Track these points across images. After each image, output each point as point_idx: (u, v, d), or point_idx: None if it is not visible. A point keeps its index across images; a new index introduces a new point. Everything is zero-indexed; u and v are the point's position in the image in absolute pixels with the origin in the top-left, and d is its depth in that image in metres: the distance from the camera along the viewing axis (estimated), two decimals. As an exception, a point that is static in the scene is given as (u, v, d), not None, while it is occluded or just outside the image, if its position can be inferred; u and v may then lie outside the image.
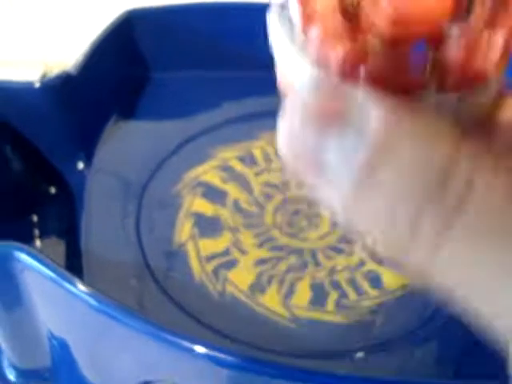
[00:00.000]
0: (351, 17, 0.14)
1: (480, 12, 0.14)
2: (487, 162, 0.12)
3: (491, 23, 0.14)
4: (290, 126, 0.13)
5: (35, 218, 0.43)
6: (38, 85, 0.40)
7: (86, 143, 0.45)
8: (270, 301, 0.38)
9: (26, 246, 0.30)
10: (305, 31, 0.14)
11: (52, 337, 0.34)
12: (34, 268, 0.29)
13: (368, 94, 0.13)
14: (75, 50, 0.46)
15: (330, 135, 0.13)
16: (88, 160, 0.45)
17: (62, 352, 0.34)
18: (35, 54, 0.62)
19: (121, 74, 0.52)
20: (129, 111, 0.51)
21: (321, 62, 0.14)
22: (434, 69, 0.14)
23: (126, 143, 0.48)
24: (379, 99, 0.13)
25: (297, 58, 0.14)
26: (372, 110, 0.12)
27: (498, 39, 0.14)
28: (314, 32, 0.14)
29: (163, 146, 0.48)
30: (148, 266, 0.40)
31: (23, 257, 0.29)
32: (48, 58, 0.61)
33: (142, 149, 0.48)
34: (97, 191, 0.43)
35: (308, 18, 0.14)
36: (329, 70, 0.14)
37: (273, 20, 0.15)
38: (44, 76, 0.55)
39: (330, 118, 0.13)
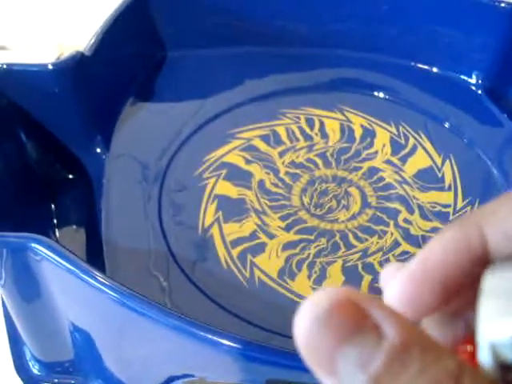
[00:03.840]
0: None
1: None
2: None
3: None
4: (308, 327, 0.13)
5: (53, 206, 0.41)
6: (51, 67, 0.38)
7: (103, 126, 0.44)
8: (301, 287, 0.37)
9: (44, 238, 0.28)
10: None
11: (74, 330, 0.32)
12: (52, 260, 0.28)
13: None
14: (91, 31, 0.44)
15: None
16: (105, 144, 0.43)
17: (84, 345, 0.33)
18: (50, 36, 0.60)
19: (137, 54, 0.50)
20: (146, 92, 0.49)
21: None
22: None
23: (145, 125, 0.46)
24: None
25: None
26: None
27: None
28: None
29: (183, 127, 0.46)
30: (172, 253, 0.38)
31: (42, 249, 0.28)
32: (63, 40, 0.60)
33: (161, 131, 0.46)
34: (116, 176, 0.42)
35: None
36: None
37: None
38: (59, 58, 0.54)
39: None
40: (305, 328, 0.13)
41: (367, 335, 0.13)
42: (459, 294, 0.16)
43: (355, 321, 0.13)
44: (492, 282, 0.15)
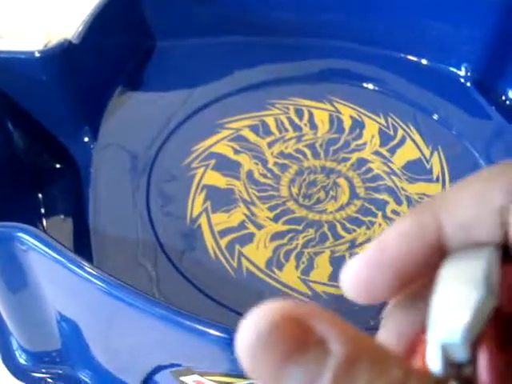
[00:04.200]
0: None
1: None
2: None
3: None
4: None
5: (40, 196, 0.41)
6: (38, 54, 0.38)
7: (91, 115, 0.43)
8: (288, 277, 0.37)
9: (31, 228, 0.28)
10: None
11: (61, 319, 0.32)
12: (39, 250, 0.27)
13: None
14: (80, 18, 0.44)
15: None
16: (93, 133, 0.43)
17: (72, 335, 0.33)
18: (38, 23, 0.60)
19: (126, 43, 0.50)
20: (135, 81, 0.48)
21: None
22: None
23: (133, 115, 0.46)
24: None
25: None
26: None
27: None
28: None
29: (171, 117, 0.46)
30: (160, 242, 0.38)
31: (28, 239, 0.28)
32: (51, 28, 0.59)
33: (150, 120, 0.45)
34: (104, 166, 0.42)
35: None
36: None
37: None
38: (46, 46, 0.53)
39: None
40: (247, 347, 0.12)
41: (311, 352, 0.12)
42: (418, 280, 0.16)
43: (297, 338, 0.12)
44: (445, 275, 0.15)
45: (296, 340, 0.12)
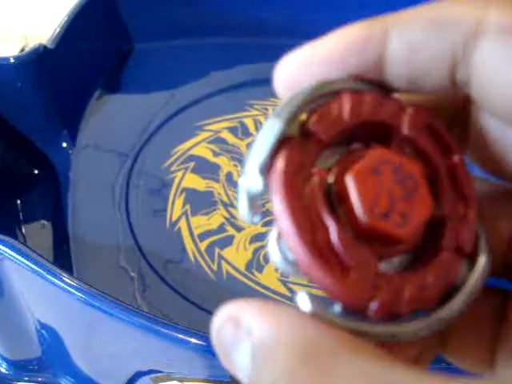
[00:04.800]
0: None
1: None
2: None
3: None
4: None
5: (19, 202, 0.41)
6: (12, 60, 0.38)
7: (69, 120, 0.43)
8: (268, 279, 0.37)
9: (7, 238, 0.28)
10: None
11: (41, 327, 0.32)
12: (16, 261, 0.27)
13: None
14: (58, 20, 0.43)
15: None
16: (72, 138, 0.43)
17: (52, 343, 0.33)
18: (14, 26, 0.59)
19: (103, 46, 0.49)
20: (113, 85, 0.48)
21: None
22: None
23: (111, 119, 0.46)
24: None
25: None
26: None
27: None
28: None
29: (150, 120, 0.46)
30: (140, 247, 0.38)
31: (4, 249, 0.28)
32: (28, 31, 0.59)
33: (128, 124, 0.45)
34: (82, 171, 0.41)
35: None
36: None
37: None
38: (23, 50, 0.53)
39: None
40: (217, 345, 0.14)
41: (241, 347, 0.13)
42: None
43: (232, 335, 0.13)
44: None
45: (231, 338, 0.13)
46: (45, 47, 0.39)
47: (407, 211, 0.14)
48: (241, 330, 0.13)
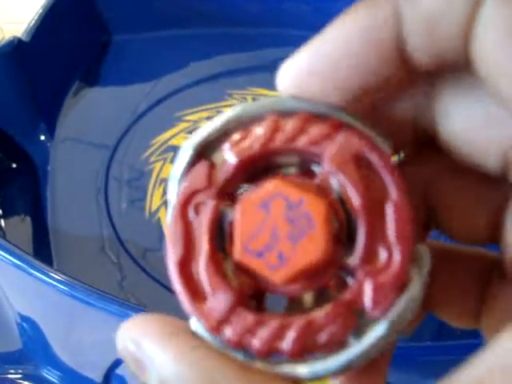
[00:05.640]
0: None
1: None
2: None
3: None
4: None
5: (-3, 196, 0.41)
6: (-14, 54, 0.38)
7: (47, 113, 0.43)
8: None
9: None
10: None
11: (21, 320, 0.32)
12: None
13: None
14: (34, 11, 0.43)
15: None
16: (50, 131, 0.43)
17: (33, 335, 0.33)
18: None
19: (80, 38, 0.49)
20: (91, 77, 0.48)
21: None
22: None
23: (90, 111, 0.46)
24: None
25: None
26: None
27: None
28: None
29: (129, 111, 0.46)
30: (119, 238, 0.38)
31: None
32: (4, 24, 0.58)
33: (107, 116, 0.45)
34: (61, 163, 0.41)
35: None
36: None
37: None
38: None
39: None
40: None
41: (147, 372, 0.13)
42: (372, 95, 0.13)
43: (136, 358, 0.13)
44: None
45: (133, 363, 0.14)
46: (19, 40, 0.39)
47: (288, 253, 0.13)
48: (144, 356, 0.13)
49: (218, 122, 0.14)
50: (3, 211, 0.40)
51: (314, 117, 0.14)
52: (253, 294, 0.14)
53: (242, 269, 0.13)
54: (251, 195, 0.13)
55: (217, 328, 0.13)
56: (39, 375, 0.35)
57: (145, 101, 0.47)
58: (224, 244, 0.14)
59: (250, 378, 0.13)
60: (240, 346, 0.13)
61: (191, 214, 0.14)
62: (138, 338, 0.13)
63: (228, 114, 0.14)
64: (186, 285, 0.13)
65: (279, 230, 0.13)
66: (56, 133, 0.43)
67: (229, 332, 0.13)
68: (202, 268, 0.13)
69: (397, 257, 0.13)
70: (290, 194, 0.13)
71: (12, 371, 0.35)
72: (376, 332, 0.13)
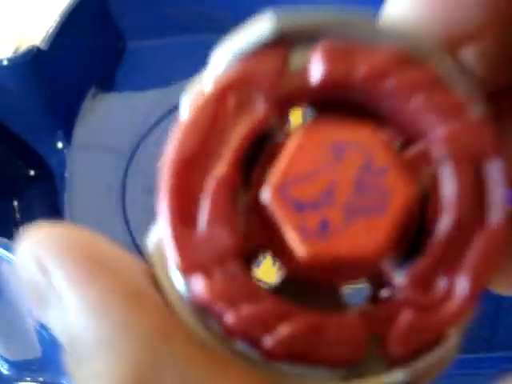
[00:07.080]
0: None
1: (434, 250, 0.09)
2: None
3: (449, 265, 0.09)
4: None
5: (16, 204, 0.41)
6: (5, 62, 0.38)
7: (64, 121, 0.43)
8: (266, 274, 0.37)
9: (4, 240, 0.28)
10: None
11: (40, 328, 0.32)
12: (11, 261, 0.27)
13: None
14: (52, 21, 0.43)
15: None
16: (67, 138, 0.43)
17: (52, 343, 0.33)
18: (7, 27, 0.59)
19: (96, 45, 0.49)
20: (107, 84, 0.48)
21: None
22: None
23: (106, 118, 0.46)
24: None
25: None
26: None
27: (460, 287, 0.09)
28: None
29: (145, 119, 0.46)
30: (136, 245, 0.38)
31: (1, 251, 0.28)
32: (22, 32, 0.59)
33: (123, 123, 0.45)
34: (78, 171, 0.42)
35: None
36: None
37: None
38: (16, 52, 0.53)
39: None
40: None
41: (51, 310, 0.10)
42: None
43: (38, 282, 0.10)
44: None
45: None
46: (38, 49, 0.40)
47: (335, 226, 0.09)
48: (50, 290, 0.09)
49: (316, 13, 0.10)
50: (21, 217, 0.40)
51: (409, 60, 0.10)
52: (250, 251, 0.10)
53: (260, 214, 0.10)
54: (330, 127, 0.10)
55: (190, 272, 0.09)
56: (59, 383, 0.35)
57: (162, 107, 0.47)
58: (251, 172, 0.10)
59: (207, 361, 0.09)
60: (209, 310, 0.09)
61: (227, 107, 0.10)
62: (48, 264, 0.10)
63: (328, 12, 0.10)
64: (177, 194, 0.10)
65: (339, 190, 0.09)
66: (73, 140, 0.43)
67: (203, 286, 0.09)
68: (210, 184, 0.10)
69: (461, 293, 0.09)
70: (379, 156, 0.09)
71: (32, 379, 0.35)
72: (384, 378, 0.10)
